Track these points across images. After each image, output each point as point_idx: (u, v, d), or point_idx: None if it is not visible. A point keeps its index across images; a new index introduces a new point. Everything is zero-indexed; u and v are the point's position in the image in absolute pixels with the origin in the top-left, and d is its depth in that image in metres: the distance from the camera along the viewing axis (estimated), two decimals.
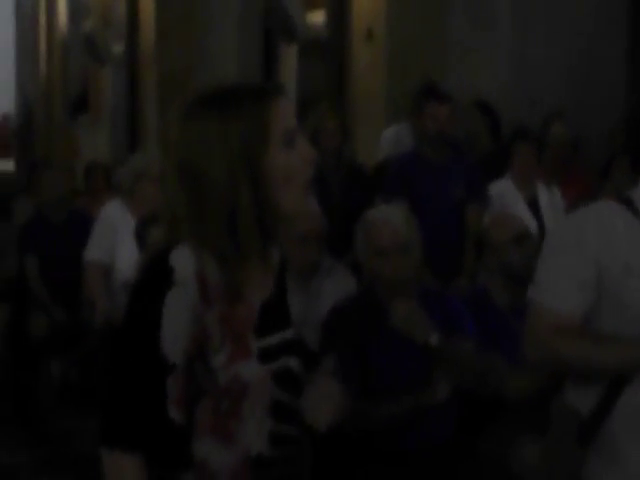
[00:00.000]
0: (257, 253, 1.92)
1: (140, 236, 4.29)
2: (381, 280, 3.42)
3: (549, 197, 5.55)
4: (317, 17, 9.37)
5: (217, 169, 1.86)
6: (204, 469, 1.90)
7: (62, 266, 5.84)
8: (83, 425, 5.40)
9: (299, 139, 1.92)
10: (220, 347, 1.86)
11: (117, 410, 1.87)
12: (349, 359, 3.22)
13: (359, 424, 3.12)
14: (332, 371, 2.01)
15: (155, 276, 1.86)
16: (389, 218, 3.51)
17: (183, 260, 1.84)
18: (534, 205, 5.46)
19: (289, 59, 10.04)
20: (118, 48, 12.57)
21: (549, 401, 2.53)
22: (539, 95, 6.48)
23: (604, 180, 5.77)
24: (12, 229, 6.60)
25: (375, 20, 7.84)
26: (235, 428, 1.90)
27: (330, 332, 3.42)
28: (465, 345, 3.36)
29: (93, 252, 5.05)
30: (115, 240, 4.92)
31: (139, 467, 1.85)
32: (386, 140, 6.83)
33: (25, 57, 18.79)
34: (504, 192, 5.43)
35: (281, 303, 2.03)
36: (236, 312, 1.90)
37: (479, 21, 6.77)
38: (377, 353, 3.38)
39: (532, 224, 5.11)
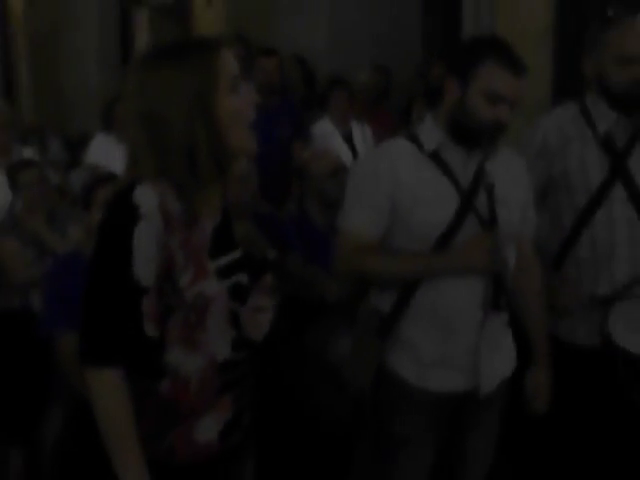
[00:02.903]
0: (213, 183, 1.85)
1: (12, 179, 4.04)
2: None
3: (362, 134, 5.57)
4: None
5: (175, 114, 1.77)
6: (177, 375, 1.83)
7: None
8: None
9: (242, 85, 1.85)
10: (184, 269, 1.79)
11: (98, 331, 1.76)
12: None
13: None
14: (267, 286, 1.96)
15: (122, 213, 1.75)
16: None
17: (146, 196, 1.75)
18: (349, 140, 5.45)
19: (143, 22, 9.84)
20: None
21: (359, 303, 2.56)
22: (352, 51, 6.54)
23: (405, 120, 5.84)
24: None
25: None
26: (202, 337, 1.84)
27: None
28: (294, 258, 3.37)
29: None
30: None
31: (122, 379, 1.77)
32: None
33: None
34: (324, 130, 5.40)
35: (228, 227, 1.98)
36: (193, 237, 1.83)
37: None
38: None
39: (348, 157, 5.13)
